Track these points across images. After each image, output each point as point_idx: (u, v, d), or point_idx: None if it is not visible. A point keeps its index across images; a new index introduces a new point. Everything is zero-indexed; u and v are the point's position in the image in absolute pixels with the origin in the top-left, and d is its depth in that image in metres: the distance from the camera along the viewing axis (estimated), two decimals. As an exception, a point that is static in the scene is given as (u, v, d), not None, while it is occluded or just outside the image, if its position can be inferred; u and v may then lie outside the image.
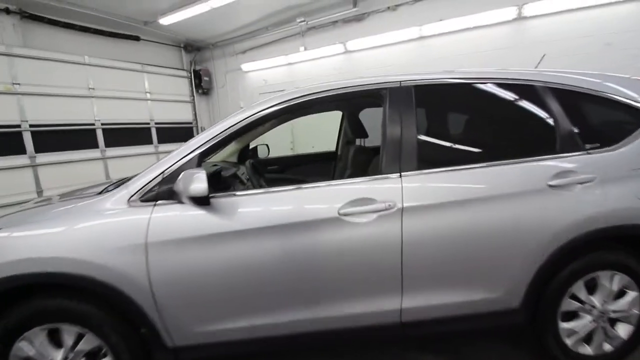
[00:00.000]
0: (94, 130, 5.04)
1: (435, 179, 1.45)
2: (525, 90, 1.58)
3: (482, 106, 1.66)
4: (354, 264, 1.40)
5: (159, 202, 1.35)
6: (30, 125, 4.37)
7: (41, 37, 4.65)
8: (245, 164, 2.17)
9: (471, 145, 1.63)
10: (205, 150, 1.42)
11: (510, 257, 1.44)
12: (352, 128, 2.69)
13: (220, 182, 1.88)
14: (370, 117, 2.64)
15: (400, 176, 1.43)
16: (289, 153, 5.39)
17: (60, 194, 2.00)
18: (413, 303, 1.44)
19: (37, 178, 4.50)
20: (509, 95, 1.60)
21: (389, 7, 4.84)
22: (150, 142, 5.85)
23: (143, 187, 1.37)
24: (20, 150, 4.32)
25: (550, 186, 1.43)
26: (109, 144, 5.19)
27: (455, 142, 1.69)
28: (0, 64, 4.12)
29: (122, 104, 5.38)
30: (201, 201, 1.30)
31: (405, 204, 1.38)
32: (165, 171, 1.37)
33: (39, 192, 4.51)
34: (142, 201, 1.35)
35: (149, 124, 5.82)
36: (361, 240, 1.38)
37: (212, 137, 1.43)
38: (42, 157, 4.51)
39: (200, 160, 1.40)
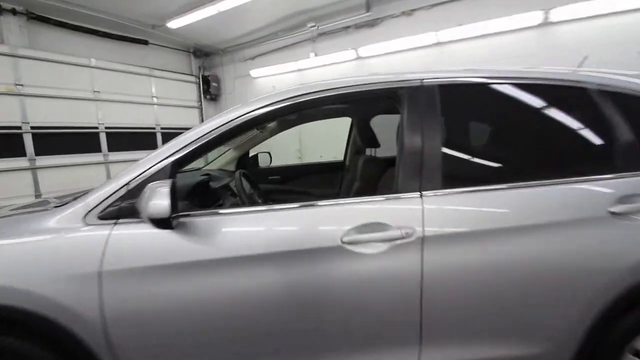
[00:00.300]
0: (97, 134, 4.96)
1: (466, 201, 1.16)
2: (577, 93, 1.28)
3: (524, 112, 1.35)
4: (358, 305, 1.11)
5: (121, 220, 1.09)
6: (32, 127, 4.30)
7: (47, 39, 4.60)
8: (234, 175, 1.93)
9: (511, 161, 1.33)
10: (182, 157, 1.16)
11: (561, 301, 1.13)
12: (362, 136, 2.41)
13: (208, 195, 1.64)
14: (381, 124, 2.38)
15: (421, 196, 1.14)
16: (296, 162, 5.16)
17: (58, 196, 1.77)
18: (434, 358, 1.14)
19: (36, 181, 4.40)
20: (556, 100, 1.30)
21: (403, 12, 4.63)
22: (155, 147, 5.68)
23: (103, 201, 1.10)
24: (20, 152, 4.23)
25: (612, 213, 1.13)
26: (112, 148, 5.09)
27: (491, 156, 1.36)
28: (4, 64, 4.06)
29: (127, 108, 5.30)
30: (162, 223, 1.02)
31: (427, 232, 1.09)
32: (131, 182, 1.12)
33: (37, 196, 4.39)
34: (100, 218, 1.10)
35: (154, 128, 5.73)
36: (369, 276, 1.09)
37: (191, 141, 1.17)
38: (42, 160, 4.42)
39: (175, 169, 1.14)
